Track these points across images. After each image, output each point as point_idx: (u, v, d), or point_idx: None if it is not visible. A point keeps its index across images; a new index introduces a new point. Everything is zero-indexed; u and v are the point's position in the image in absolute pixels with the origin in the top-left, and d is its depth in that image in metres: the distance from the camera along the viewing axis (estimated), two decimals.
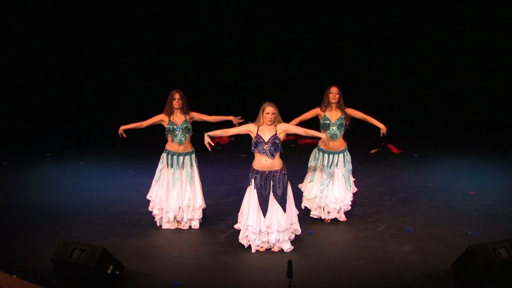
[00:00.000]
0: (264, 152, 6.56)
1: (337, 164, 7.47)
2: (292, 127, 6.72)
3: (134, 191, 9.28)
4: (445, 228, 7.38)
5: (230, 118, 7.43)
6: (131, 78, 15.06)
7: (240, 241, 6.81)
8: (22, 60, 14.28)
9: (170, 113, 7.45)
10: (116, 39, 14.79)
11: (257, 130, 6.62)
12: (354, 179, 7.78)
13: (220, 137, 12.99)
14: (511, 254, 5.55)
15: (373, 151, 11.88)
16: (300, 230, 6.86)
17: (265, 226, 6.56)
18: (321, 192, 7.48)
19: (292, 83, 15.20)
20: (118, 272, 5.88)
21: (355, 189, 7.82)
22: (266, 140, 6.55)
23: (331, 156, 7.48)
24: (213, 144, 6.67)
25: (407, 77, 14.85)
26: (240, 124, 7.22)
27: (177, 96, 7.43)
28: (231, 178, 10.04)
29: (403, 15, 14.39)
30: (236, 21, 14.86)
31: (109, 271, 5.77)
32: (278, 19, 14.80)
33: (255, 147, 6.60)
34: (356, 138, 12.91)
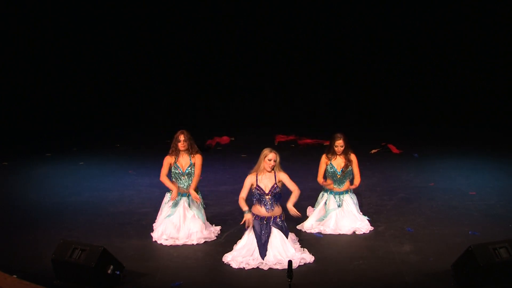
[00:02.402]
0: (265, 204, 6.51)
1: (341, 205, 7.47)
2: (288, 181, 6.54)
3: (134, 191, 9.28)
4: (445, 228, 7.38)
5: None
6: (131, 78, 15.06)
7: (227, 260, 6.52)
8: (22, 60, 14.28)
9: (175, 154, 7.17)
10: (116, 39, 14.79)
11: (256, 180, 6.52)
12: (368, 219, 7.59)
13: (221, 138, 13.03)
14: (511, 254, 5.55)
15: (373, 151, 11.89)
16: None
17: (267, 263, 6.35)
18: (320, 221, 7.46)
19: (292, 83, 15.20)
20: (118, 272, 5.88)
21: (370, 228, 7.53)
22: (266, 192, 6.49)
23: (337, 196, 7.51)
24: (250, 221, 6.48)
25: (407, 77, 14.85)
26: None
27: (181, 138, 7.11)
28: (231, 178, 10.03)
29: (403, 15, 14.39)
30: (236, 21, 14.86)
31: (109, 271, 5.77)
32: (278, 19, 14.80)
33: (255, 198, 6.52)
34: (356, 138, 12.96)
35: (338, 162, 7.50)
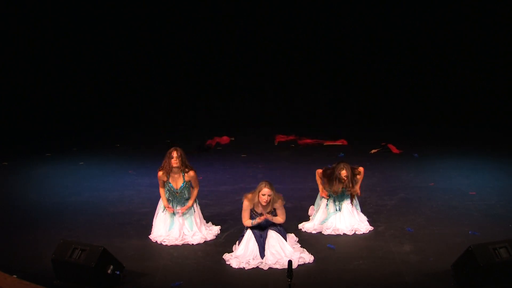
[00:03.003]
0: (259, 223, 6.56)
1: (340, 209, 7.46)
2: (280, 211, 6.54)
3: (134, 191, 9.29)
4: (445, 228, 7.38)
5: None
6: (131, 78, 15.06)
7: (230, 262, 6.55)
8: (22, 60, 14.28)
9: (168, 171, 7.15)
10: (116, 39, 14.79)
11: (253, 205, 6.53)
12: (368, 219, 7.61)
13: (221, 138, 13.03)
14: (511, 254, 5.55)
15: (373, 151, 11.88)
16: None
17: (267, 263, 6.41)
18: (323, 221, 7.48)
19: (292, 83, 15.20)
20: (118, 272, 5.88)
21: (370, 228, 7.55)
22: (263, 215, 6.51)
23: (336, 201, 7.49)
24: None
25: (407, 77, 14.84)
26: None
27: (174, 154, 7.07)
28: (231, 178, 10.04)
29: (403, 15, 14.38)
30: (236, 21, 14.85)
31: (109, 271, 5.77)
32: (278, 19, 14.79)
33: (251, 218, 6.56)
34: (356, 138, 12.96)
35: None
